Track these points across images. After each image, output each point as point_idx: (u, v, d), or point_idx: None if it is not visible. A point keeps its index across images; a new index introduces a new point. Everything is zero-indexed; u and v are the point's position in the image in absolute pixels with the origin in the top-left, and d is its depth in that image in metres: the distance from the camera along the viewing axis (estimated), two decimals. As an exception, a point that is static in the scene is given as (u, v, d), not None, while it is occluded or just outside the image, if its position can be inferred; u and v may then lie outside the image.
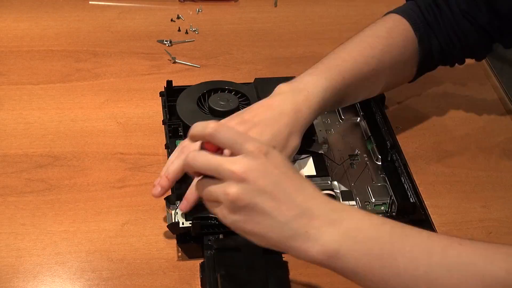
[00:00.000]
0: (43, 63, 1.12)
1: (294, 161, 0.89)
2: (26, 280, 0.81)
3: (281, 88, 0.88)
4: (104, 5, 1.25)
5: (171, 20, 1.23)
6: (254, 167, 0.66)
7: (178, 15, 1.24)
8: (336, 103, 0.91)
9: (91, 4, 1.25)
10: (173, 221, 0.82)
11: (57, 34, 1.18)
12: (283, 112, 0.85)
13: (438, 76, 1.14)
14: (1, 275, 0.81)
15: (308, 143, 0.93)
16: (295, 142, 0.84)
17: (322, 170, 0.89)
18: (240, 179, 0.66)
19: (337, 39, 1.20)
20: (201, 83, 1.02)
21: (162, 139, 0.94)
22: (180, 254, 0.84)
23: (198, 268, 0.82)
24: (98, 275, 0.82)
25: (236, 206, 0.67)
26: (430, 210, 0.90)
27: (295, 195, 0.66)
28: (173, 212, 0.83)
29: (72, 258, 0.83)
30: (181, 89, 1.00)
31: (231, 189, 0.66)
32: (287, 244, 0.66)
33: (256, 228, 0.67)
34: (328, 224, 0.65)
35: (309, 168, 0.89)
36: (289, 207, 0.66)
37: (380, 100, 1.02)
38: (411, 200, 0.86)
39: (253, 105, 0.87)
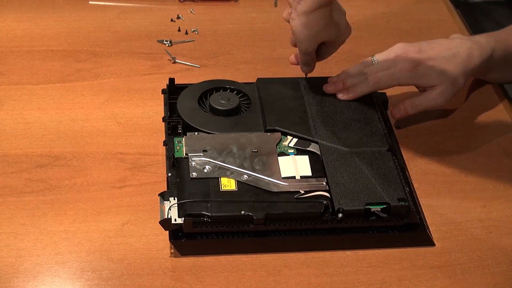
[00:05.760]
0: (43, 63, 1.12)
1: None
2: (26, 280, 0.81)
3: (458, 35, 1.03)
4: (104, 5, 1.25)
5: (171, 20, 1.23)
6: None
7: (178, 15, 1.24)
8: (497, 68, 1.03)
9: (91, 4, 1.25)
10: (166, 217, 0.82)
11: (57, 34, 1.18)
12: (458, 53, 0.97)
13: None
14: (1, 275, 0.81)
15: (305, 143, 0.93)
16: (461, 83, 0.97)
17: (318, 170, 0.89)
18: None
19: (337, 39, 1.21)
20: (203, 82, 1.02)
21: (162, 139, 0.94)
22: (172, 250, 0.84)
23: (198, 268, 0.82)
24: (98, 275, 0.82)
25: None
26: (430, 210, 0.90)
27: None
28: (166, 208, 0.83)
29: (72, 258, 0.83)
30: (183, 87, 1.01)
31: None
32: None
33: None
34: None
35: (305, 168, 0.89)
36: None
37: (382, 103, 1.02)
38: (406, 204, 0.85)
39: (433, 40, 1.01)
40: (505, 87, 1.10)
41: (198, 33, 1.20)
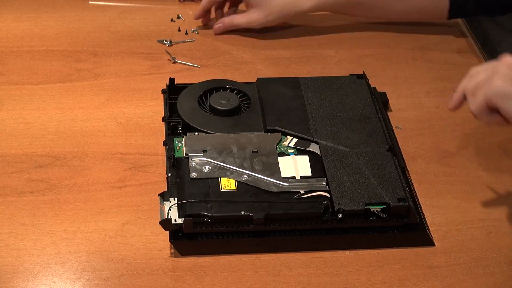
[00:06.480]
0: (43, 63, 1.12)
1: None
2: (26, 280, 0.81)
3: None
4: (104, 5, 1.25)
5: (171, 20, 1.23)
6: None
7: (178, 15, 1.24)
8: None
9: (91, 4, 1.25)
10: (166, 217, 0.82)
11: (57, 34, 1.18)
12: None
13: (438, 76, 1.14)
14: (1, 275, 0.81)
15: (305, 143, 0.93)
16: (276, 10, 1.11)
17: (318, 171, 0.89)
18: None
19: (337, 39, 1.21)
20: (203, 82, 1.02)
21: (162, 139, 0.94)
22: (172, 250, 0.84)
23: (198, 268, 0.82)
24: (98, 275, 0.82)
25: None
26: (430, 210, 0.90)
27: None
28: (166, 208, 0.83)
29: (72, 258, 0.83)
30: (183, 87, 1.01)
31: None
32: None
33: None
34: None
35: (305, 168, 0.89)
36: None
37: (383, 103, 1.02)
38: (406, 204, 0.85)
39: None
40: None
41: (198, 33, 1.20)
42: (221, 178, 0.87)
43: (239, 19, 1.15)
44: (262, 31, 1.21)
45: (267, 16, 1.08)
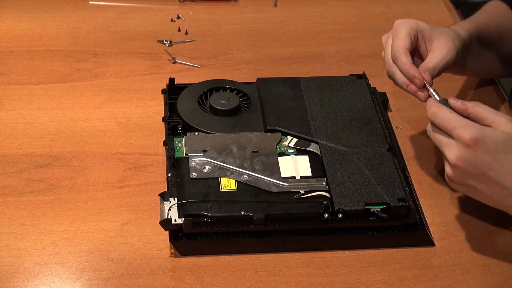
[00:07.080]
0: (43, 63, 1.12)
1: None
2: (26, 280, 0.81)
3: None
4: (104, 5, 1.25)
5: (171, 20, 1.23)
6: (463, 157, 0.76)
7: (178, 15, 1.24)
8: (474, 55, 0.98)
9: (91, 4, 1.25)
10: (166, 217, 0.82)
11: (57, 34, 1.18)
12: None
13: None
14: (1, 275, 0.81)
15: (305, 143, 0.93)
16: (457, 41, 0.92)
17: (318, 170, 0.89)
18: (452, 165, 0.78)
19: (337, 39, 1.21)
20: (203, 82, 1.02)
21: (162, 139, 0.94)
22: (172, 250, 0.84)
23: (198, 268, 0.82)
24: (98, 275, 0.82)
25: (453, 182, 0.80)
26: (430, 210, 0.90)
27: (504, 179, 0.76)
28: (166, 208, 0.83)
29: (72, 258, 0.83)
30: (183, 87, 1.01)
31: (447, 169, 0.79)
32: (505, 208, 0.80)
33: (475, 196, 0.80)
34: None
35: (305, 168, 0.89)
36: (500, 189, 0.77)
37: (382, 103, 1.02)
38: (406, 204, 0.85)
39: None
40: (505, 88, 1.10)
41: (198, 33, 1.20)
42: (221, 178, 0.87)
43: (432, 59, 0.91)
44: (261, 31, 1.22)
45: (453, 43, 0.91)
